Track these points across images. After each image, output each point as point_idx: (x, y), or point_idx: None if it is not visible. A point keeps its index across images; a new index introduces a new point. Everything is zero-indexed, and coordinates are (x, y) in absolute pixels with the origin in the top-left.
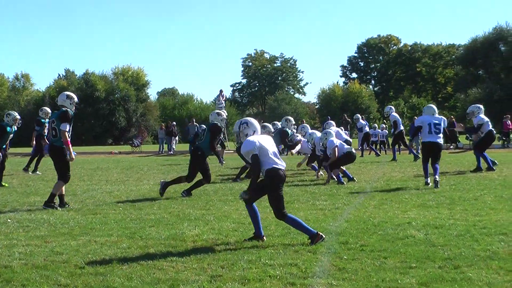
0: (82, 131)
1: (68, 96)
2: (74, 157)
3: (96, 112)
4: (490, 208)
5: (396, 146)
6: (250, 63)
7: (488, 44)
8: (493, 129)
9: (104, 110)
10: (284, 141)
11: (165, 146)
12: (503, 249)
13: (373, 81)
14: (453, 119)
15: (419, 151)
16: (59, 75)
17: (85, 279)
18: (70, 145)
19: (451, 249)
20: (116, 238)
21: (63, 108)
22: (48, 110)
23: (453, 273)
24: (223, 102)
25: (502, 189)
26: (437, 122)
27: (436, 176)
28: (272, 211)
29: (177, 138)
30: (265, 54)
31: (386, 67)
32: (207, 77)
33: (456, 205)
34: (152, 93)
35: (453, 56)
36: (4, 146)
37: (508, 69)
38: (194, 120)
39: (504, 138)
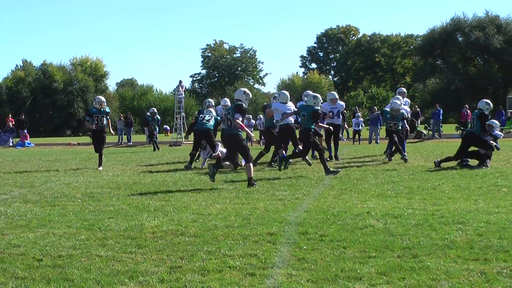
0: (40, 123)
1: (244, 92)
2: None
3: (54, 103)
4: (448, 197)
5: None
6: (210, 54)
7: (445, 35)
8: None
9: (63, 101)
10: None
11: (124, 137)
12: (461, 238)
13: (332, 72)
14: (417, 109)
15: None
16: (17, 65)
17: (43, 272)
18: (246, 128)
19: (409, 239)
20: (74, 230)
21: (239, 102)
22: (102, 98)
23: (412, 262)
24: (183, 92)
25: (460, 178)
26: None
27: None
28: (231, 202)
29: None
30: (224, 45)
31: (346, 58)
32: (166, 68)
33: (415, 194)
34: (111, 84)
35: (412, 47)
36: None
37: (465, 60)
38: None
39: (462, 128)
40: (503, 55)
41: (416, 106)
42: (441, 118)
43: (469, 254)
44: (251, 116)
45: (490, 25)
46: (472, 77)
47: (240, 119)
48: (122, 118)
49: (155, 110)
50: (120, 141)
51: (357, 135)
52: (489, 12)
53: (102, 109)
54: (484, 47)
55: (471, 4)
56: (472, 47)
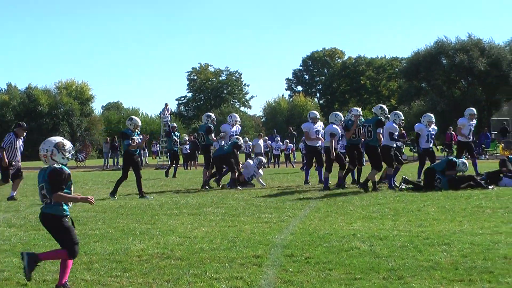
0: (26, 147)
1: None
2: None
3: (39, 127)
4: (433, 219)
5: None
6: (195, 77)
7: (430, 57)
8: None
9: (48, 125)
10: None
11: (110, 160)
12: (446, 259)
13: (318, 94)
14: (403, 131)
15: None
16: (1, 89)
17: None
18: None
19: (395, 260)
20: None
21: (380, 117)
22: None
23: (397, 283)
24: (169, 115)
25: (444, 200)
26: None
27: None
28: (217, 225)
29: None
30: (210, 68)
31: (331, 80)
32: (152, 91)
33: (400, 216)
34: (97, 107)
35: (396, 69)
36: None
37: (450, 82)
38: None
39: (447, 150)
40: (487, 78)
41: (402, 129)
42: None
43: (454, 275)
44: (247, 139)
45: (474, 48)
46: (457, 99)
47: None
48: (108, 141)
49: (175, 125)
50: (106, 164)
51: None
52: (471, 36)
53: (136, 132)
54: (468, 69)
55: (454, 28)
56: (456, 69)
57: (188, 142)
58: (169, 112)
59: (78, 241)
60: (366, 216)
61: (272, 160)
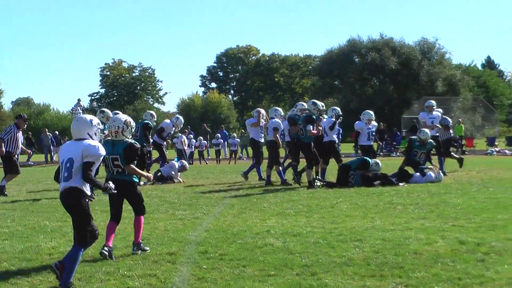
0: None
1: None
2: None
3: None
4: (346, 215)
5: None
6: (108, 73)
7: (343, 56)
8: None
9: None
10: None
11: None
12: (358, 255)
13: (232, 91)
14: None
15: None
16: None
17: None
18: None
19: (308, 256)
20: None
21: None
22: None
23: (310, 279)
24: (81, 111)
25: (357, 196)
26: None
27: None
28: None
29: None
30: (123, 64)
31: (245, 77)
32: (64, 87)
33: (314, 213)
34: (6, 102)
35: (310, 67)
36: None
37: (362, 80)
38: (46, 130)
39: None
40: (398, 76)
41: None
42: (340, 137)
43: (366, 271)
44: (192, 136)
45: (385, 47)
46: (369, 97)
47: None
48: (45, 132)
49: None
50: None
51: (233, 154)
52: (383, 35)
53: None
54: (380, 68)
55: (367, 27)
56: (368, 68)
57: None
58: (81, 108)
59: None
60: (280, 212)
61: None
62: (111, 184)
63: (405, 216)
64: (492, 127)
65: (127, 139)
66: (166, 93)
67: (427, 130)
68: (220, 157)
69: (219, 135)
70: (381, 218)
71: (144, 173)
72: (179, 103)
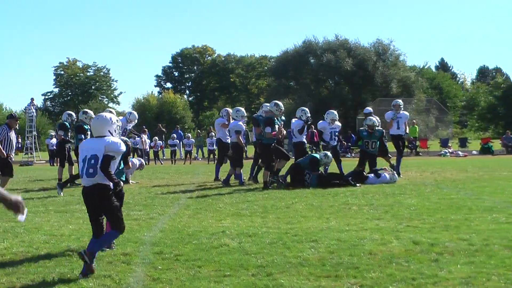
0: None
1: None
2: None
3: None
4: (301, 216)
5: None
6: (62, 72)
7: (298, 57)
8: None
9: None
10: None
11: None
12: (313, 256)
13: (188, 91)
14: (314, 129)
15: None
16: None
17: None
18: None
19: (264, 257)
20: None
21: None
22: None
23: (266, 280)
24: (34, 111)
25: (312, 197)
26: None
27: None
28: (85, 222)
29: None
30: (77, 63)
31: (201, 77)
32: (17, 86)
33: (269, 213)
34: None
35: (266, 68)
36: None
37: (317, 81)
38: None
39: (314, 148)
40: (353, 78)
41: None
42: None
43: (321, 271)
44: (157, 138)
45: (340, 48)
46: (325, 98)
47: None
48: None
49: (134, 113)
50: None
51: (211, 154)
52: (338, 36)
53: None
54: (335, 69)
55: (322, 28)
56: (324, 69)
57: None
58: (34, 108)
59: None
60: (235, 213)
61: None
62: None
63: (360, 217)
64: (446, 129)
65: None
66: (121, 92)
67: (373, 118)
68: (176, 157)
69: (174, 135)
70: (336, 218)
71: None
72: (134, 103)
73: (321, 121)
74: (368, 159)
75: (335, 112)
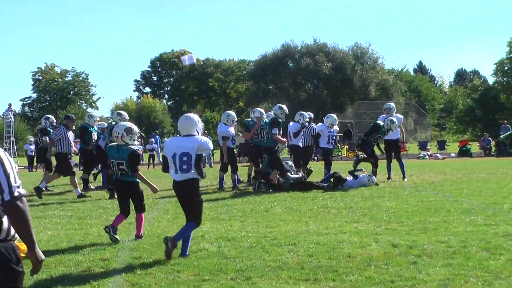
0: None
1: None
2: None
3: None
4: (280, 219)
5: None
6: (41, 77)
7: (277, 61)
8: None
9: None
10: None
11: None
12: (292, 259)
13: (166, 96)
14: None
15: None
16: None
17: None
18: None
19: (243, 261)
20: None
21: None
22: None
23: (245, 284)
24: (12, 116)
25: (291, 200)
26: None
27: None
28: (63, 228)
29: None
30: (56, 68)
31: (180, 82)
32: None
33: (248, 217)
34: None
35: (244, 72)
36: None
37: (296, 85)
38: None
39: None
40: (331, 81)
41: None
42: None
43: (300, 275)
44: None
45: (319, 52)
46: (303, 102)
47: None
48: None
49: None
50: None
51: None
52: (317, 40)
53: (94, 128)
54: (314, 73)
55: (300, 32)
56: (302, 73)
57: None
58: (12, 113)
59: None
60: (214, 217)
61: None
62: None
63: (339, 220)
64: (424, 131)
65: (130, 146)
66: (99, 97)
67: (394, 119)
68: (154, 162)
69: (153, 140)
70: (315, 222)
71: (151, 183)
72: (113, 108)
73: (320, 124)
74: (368, 151)
75: (335, 117)
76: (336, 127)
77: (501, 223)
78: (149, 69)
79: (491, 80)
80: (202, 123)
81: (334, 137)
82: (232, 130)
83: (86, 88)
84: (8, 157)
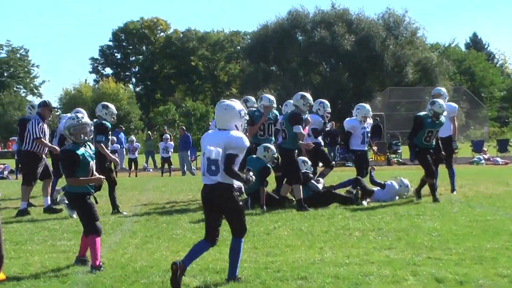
0: None
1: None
2: None
3: None
4: (286, 245)
5: None
6: None
7: (282, 33)
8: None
9: None
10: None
11: None
12: None
13: (134, 79)
14: (334, 128)
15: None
16: None
17: None
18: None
19: None
20: None
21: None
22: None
23: None
24: None
25: (301, 220)
26: None
27: None
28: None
29: None
30: None
31: (151, 61)
32: None
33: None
34: None
35: (238, 47)
36: None
37: (307, 65)
38: None
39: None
40: (355, 60)
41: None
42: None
43: None
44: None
45: (338, 21)
46: (317, 88)
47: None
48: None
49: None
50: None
51: (166, 164)
52: (335, 5)
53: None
54: (331, 49)
55: None
56: (316, 49)
57: None
58: None
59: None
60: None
61: None
62: (251, 174)
63: (365, 246)
64: (480, 127)
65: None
66: (43, 81)
67: (441, 101)
68: (117, 168)
69: (114, 138)
70: (333, 248)
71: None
72: (62, 95)
73: (349, 119)
74: (427, 155)
75: (368, 107)
76: (370, 120)
77: None
78: (110, 43)
79: None
80: (247, 117)
81: (368, 135)
82: None
83: (26, 69)
84: None
